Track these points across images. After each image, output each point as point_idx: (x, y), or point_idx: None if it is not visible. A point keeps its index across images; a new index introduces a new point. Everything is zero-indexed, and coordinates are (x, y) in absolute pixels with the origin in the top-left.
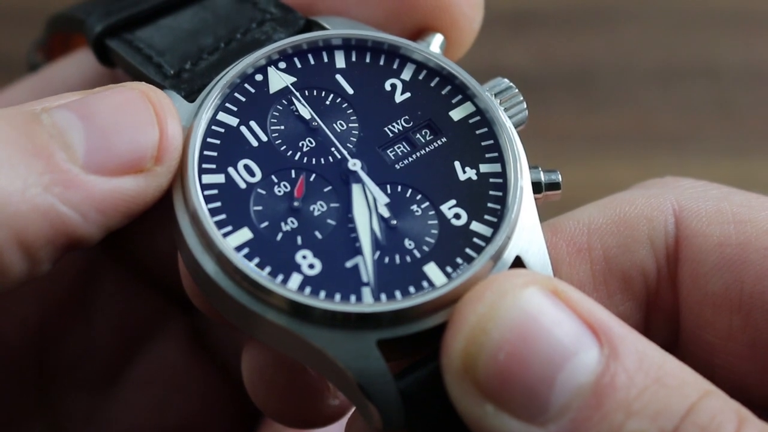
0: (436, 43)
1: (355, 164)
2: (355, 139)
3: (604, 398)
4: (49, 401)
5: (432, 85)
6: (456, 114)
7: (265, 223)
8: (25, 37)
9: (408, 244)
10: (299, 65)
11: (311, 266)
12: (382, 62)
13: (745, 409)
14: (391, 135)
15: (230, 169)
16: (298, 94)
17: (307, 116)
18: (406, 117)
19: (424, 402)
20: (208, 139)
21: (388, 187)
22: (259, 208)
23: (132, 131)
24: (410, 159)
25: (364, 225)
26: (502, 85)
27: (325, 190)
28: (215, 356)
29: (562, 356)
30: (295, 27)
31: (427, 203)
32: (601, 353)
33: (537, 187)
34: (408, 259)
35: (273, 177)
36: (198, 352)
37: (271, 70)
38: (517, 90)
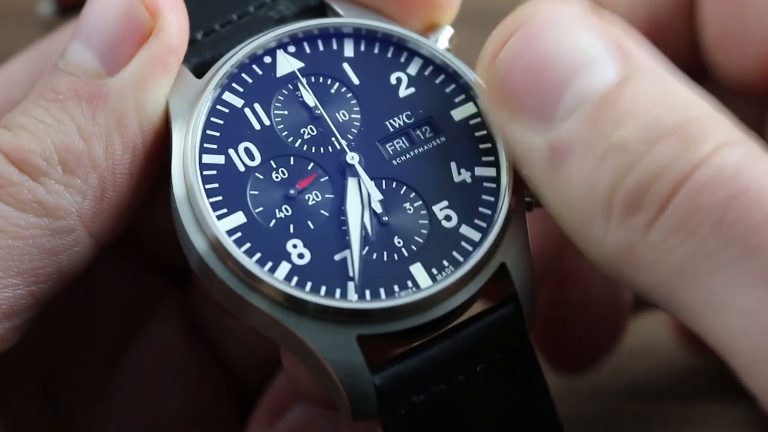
0: (444, 37)
1: (353, 158)
2: (355, 131)
3: (603, 110)
4: (50, 392)
5: (437, 82)
6: (457, 114)
7: (260, 209)
8: (25, 37)
9: (397, 241)
10: (308, 50)
11: (301, 256)
12: (389, 54)
13: (745, 136)
14: (391, 130)
15: (231, 151)
16: (303, 80)
17: (311, 103)
18: (408, 112)
19: (398, 397)
20: (212, 119)
21: (383, 182)
22: (256, 192)
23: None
24: (408, 156)
25: (356, 219)
26: None
27: (322, 180)
28: (209, 339)
29: (577, 66)
30: (309, 6)
31: (419, 202)
32: (618, 74)
33: (530, 193)
34: (395, 257)
35: (272, 162)
36: (193, 335)
37: (279, 53)
38: None
